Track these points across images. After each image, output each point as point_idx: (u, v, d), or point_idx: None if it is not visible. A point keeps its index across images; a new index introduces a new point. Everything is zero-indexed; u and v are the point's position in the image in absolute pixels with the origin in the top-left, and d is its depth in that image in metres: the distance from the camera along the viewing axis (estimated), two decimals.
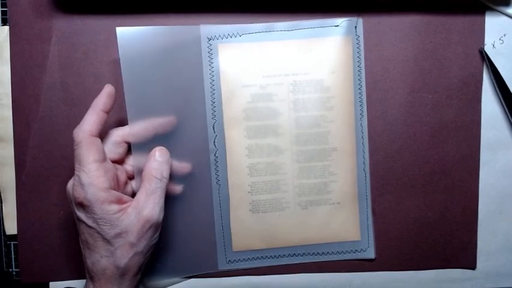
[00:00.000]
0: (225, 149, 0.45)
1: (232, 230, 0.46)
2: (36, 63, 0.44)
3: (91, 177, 0.35)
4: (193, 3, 0.44)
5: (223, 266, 0.46)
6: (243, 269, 0.46)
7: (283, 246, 0.46)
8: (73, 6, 0.43)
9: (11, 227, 0.45)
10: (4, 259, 0.46)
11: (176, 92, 0.43)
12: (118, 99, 0.44)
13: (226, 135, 0.45)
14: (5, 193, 0.45)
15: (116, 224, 0.35)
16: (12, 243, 0.46)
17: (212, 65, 0.44)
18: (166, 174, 0.38)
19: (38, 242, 0.45)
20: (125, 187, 0.40)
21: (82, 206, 0.36)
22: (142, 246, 0.36)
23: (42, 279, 0.46)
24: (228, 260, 0.46)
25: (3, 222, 0.46)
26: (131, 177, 0.41)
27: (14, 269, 0.46)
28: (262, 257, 0.46)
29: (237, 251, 0.46)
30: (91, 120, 0.37)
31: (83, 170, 0.35)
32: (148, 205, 0.36)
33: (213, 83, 0.44)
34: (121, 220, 0.36)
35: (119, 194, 0.37)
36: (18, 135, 0.44)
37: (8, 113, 0.44)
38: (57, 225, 0.45)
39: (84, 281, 0.45)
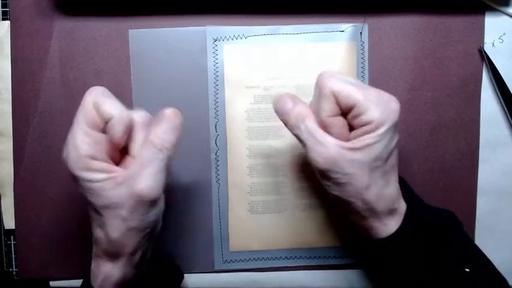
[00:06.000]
0: (226, 149, 0.45)
1: (230, 230, 0.46)
2: (36, 58, 0.44)
3: (77, 140, 0.31)
4: (200, 5, 0.44)
5: (219, 266, 0.46)
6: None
7: (281, 249, 0.46)
8: (74, 2, 0.44)
9: (10, 222, 0.45)
10: (4, 259, 0.46)
11: (180, 91, 0.45)
12: (124, 95, 0.44)
13: (227, 134, 0.45)
14: (4, 188, 0.45)
15: (102, 195, 0.31)
16: (12, 242, 0.46)
17: (217, 66, 0.44)
18: (168, 144, 0.33)
19: (35, 237, 0.45)
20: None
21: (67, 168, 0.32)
22: (136, 222, 0.32)
23: (40, 274, 0.46)
24: (224, 259, 0.46)
25: (2, 217, 0.45)
26: None
27: (14, 269, 0.46)
28: (259, 258, 0.46)
29: (234, 251, 0.46)
30: (112, 103, 0.32)
31: (72, 131, 0.32)
32: (143, 177, 0.31)
33: (217, 84, 0.45)
34: (107, 191, 0.31)
35: (105, 165, 0.32)
36: (17, 130, 0.44)
37: (8, 107, 0.44)
38: (55, 221, 0.45)
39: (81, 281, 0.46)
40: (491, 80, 0.45)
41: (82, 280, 0.45)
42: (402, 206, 0.35)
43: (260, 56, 0.45)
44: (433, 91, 0.45)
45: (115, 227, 0.32)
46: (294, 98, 0.36)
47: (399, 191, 0.35)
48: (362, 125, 0.32)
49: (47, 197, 0.45)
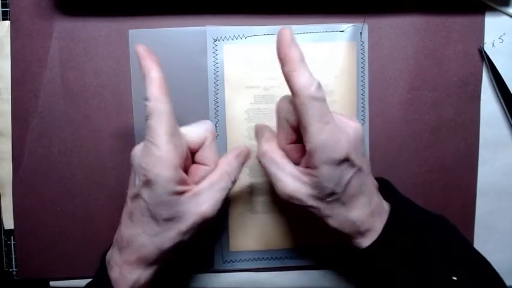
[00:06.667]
0: (227, 149, 0.45)
1: (230, 230, 0.46)
2: (36, 58, 0.44)
3: (162, 151, 0.32)
4: (200, 5, 0.44)
5: (219, 266, 0.46)
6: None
7: (281, 248, 0.46)
8: (74, 2, 0.44)
9: (9, 222, 0.45)
10: (4, 259, 0.46)
11: (180, 91, 0.44)
12: (124, 95, 0.44)
13: (227, 135, 0.45)
14: (3, 188, 0.45)
15: (172, 207, 0.33)
16: (12, 242, 0.46)
17: (217, 66, 0.44)
18: (238, 177, 0.37)
19: (35, 237, 0.45)
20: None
21: (145, 177, 0.32)
22: (188, 236, 0.34)
23: (40, 274, 0.46)
24: (224, 260, 0.46)
25: (1, 217, 0.45)
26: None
27: (14, 269, 0.46)
28: (259, 258, 0.46)
29: (234, 251, 0.46)
30: (153, 88, 0.33)
31: (153, 142, 0.32)
32: (209, 200, 0.34)
33: (217, 84, 0.44)
34: (179, 204, 0.33)
35: (185, 175, 0.34)
36: (16, 130, 0.44)
37: (8, 107, 0.44)
38: (55, 221, 0.45)
39: (81, 281, 0.45)
40: (491, 80, 0.45)
41: (81, 280, 0.46)
42: (377, 225, 0.34)
43: (260, 56, 0.44)
44: (433, 91, 0.45)
45: (170, 239, 0.34)
46: (263, 128, 0.38)
47: (373, 210, 0.34)
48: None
49: (46, 197, 0.45)
